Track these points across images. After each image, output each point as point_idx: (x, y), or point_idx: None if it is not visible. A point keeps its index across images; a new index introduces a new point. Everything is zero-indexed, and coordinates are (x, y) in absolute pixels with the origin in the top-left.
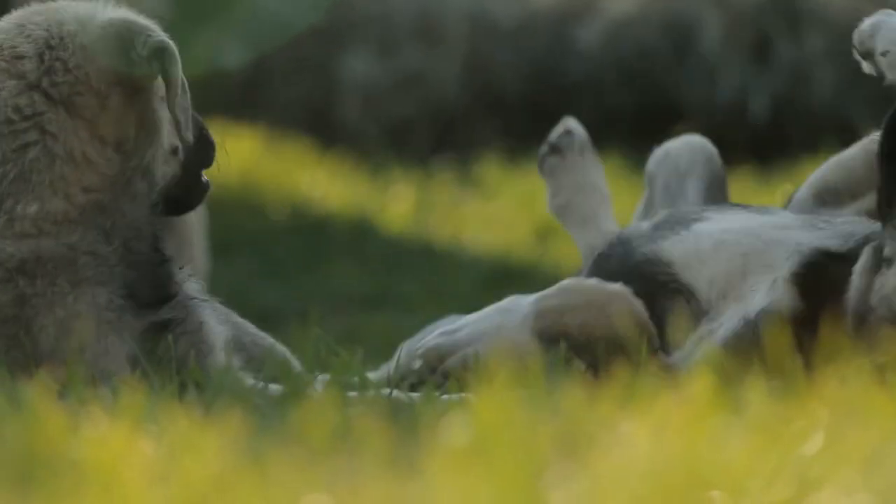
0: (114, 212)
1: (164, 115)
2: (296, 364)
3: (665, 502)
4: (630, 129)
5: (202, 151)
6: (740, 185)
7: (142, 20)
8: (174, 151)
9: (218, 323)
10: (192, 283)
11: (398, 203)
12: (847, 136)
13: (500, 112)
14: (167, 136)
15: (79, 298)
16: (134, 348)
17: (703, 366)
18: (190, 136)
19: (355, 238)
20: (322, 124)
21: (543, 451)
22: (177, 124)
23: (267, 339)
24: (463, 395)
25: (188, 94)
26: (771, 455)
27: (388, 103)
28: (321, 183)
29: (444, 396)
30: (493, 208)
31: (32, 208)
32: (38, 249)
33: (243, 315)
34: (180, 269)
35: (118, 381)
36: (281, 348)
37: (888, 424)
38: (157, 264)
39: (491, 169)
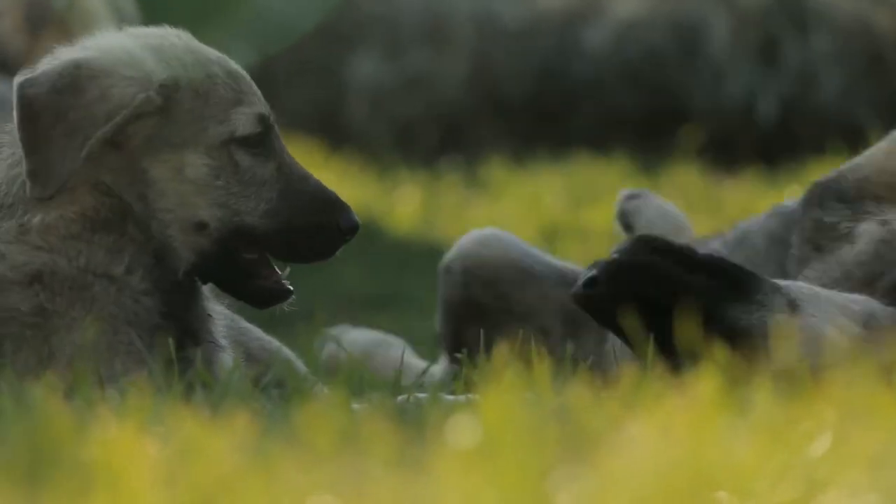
0: (120, 234)
1: (157, 174)
2: (301, 367)
3: (671, 503)
4: (637, 131)
5: (275, 239)
6: (748, 186)
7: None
8: (200, 226)
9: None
10: (216, 325)
11: (405, 204)
12: (854, 138)
13: (506, 113)
14: (186, 207)
15: (101, 333)
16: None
17: (709, 366)
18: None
19: (362, 239)
20: (329, 126)
21: (550, 452)
22: None
23: (273, 342)
24: (469, 395)
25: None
26: (777, 456)
27: (394, 105)
28: (328, 184)
29: (450, 397)
30: (499, 209)
31: (37, 218)
32: (54, 265)
33: (249, 316)
34: (208, 314)
35: (125, 382)
36: (287, 352)
37: (895, 425)
38: (187, 294)
39: (497, 170)
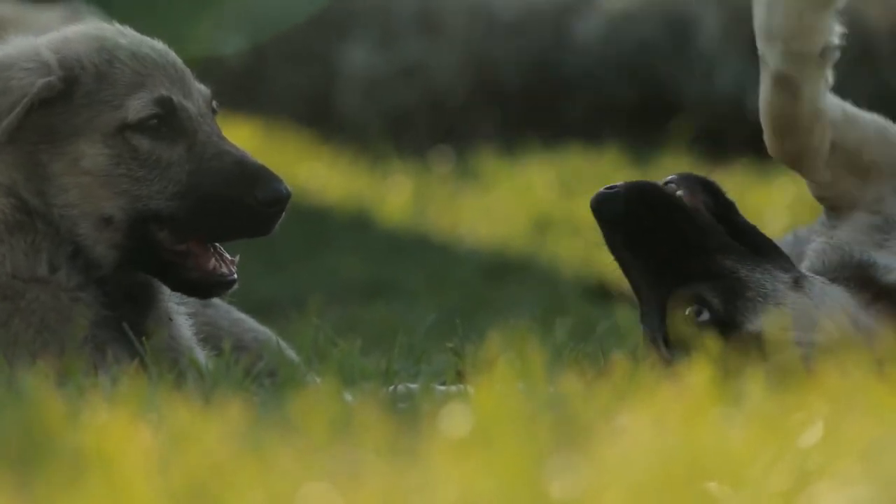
0: (34, 233)
1: (57, 168)
2: (293, 356)
3: (664, 492)
4: (628, 123)
5: (188, 221)
6: (738, 178)
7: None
8: (107, 220)
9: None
10: (181, 329)
11: (397, 194)
12: None
13: (498, 104)
14: (90, 200)
15: (48, 342)
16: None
17: (702, 357)
18: None
19: (354, 229)
20: (321, 115)
21: (543, 441)
22: None
23: (265, 332)
24: (462, 385)
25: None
26: (770, 446)
27: (387, 94)
28: (320, 174)
29: (443, 387)
30: (490, 200)
31: None
32: None
33: (243, 306)
34: (169, 318)
35: (117, 369)
36: (278, 340)
37: (886, 416)
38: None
39: (489, 160)
